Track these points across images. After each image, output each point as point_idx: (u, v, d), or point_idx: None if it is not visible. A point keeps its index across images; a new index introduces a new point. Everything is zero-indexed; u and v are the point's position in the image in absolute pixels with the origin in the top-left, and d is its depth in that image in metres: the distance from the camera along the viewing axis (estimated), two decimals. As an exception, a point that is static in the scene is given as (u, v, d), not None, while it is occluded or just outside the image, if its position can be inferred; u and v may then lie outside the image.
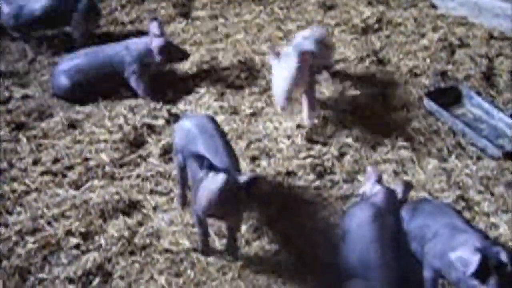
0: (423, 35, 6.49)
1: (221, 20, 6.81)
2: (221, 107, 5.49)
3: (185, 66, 5.96)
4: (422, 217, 4.00)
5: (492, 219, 4.47)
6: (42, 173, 4.81)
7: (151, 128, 5.23)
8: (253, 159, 4.97)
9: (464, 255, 3.53)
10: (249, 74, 5.89)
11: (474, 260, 3.47)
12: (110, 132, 5.15)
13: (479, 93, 5.67)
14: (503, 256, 3.51)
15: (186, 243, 4.26)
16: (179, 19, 6.80)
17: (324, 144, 5.11)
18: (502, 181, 4.79)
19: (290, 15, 6.88)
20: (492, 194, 4.70)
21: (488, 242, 3.69)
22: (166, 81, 5.84)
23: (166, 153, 4.99)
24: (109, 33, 6.52)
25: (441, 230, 3.83)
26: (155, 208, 4.55)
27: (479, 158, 5.04)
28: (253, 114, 5.44)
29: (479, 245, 3.56)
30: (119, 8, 6.95)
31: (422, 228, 3.95)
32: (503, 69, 5.96)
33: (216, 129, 4.25)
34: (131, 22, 6.74)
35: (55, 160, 4.93)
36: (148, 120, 5.29)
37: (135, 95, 5.60)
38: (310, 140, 5.13)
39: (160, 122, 5.30)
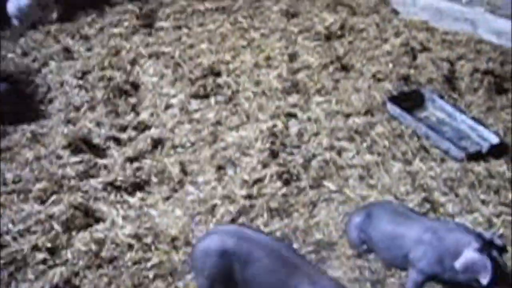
0: (385, 41, 6.56)
1: (185, 30, 6.80)
2: (187, 116, 5.49)
3: (150, 78, 5.95)
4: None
5: (457, 220, 4.52)
6: (6, 189, 4.75)
7: (116, 140, 5.24)
8: (219, 168, 4.97)
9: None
10: (214, 83, 5.89)
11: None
12: (76, 146, 5.12)
13: (441, 96, 5.75)
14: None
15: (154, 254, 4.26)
16: (143, 30, 6.77)
17: (290, 151, 5.13)
18: (466, 182, 4.85)
19: (254, 23, 6.90)
20: (457, 195, 4.76)
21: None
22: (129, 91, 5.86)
23: (132, 162, 5.02)
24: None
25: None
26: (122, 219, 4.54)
27: (443, 160, 5.10)
28: (218, 123, 5.45)
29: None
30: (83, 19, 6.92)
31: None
32: (465, 72, 6.05)
33: None
34: (95, 35, 6.70)
35: (19, 175, 4.88)
36: (113, 132, 5.30)
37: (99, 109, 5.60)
38: (275, 148, 5.14)
39: (124, 135, 5.32)
